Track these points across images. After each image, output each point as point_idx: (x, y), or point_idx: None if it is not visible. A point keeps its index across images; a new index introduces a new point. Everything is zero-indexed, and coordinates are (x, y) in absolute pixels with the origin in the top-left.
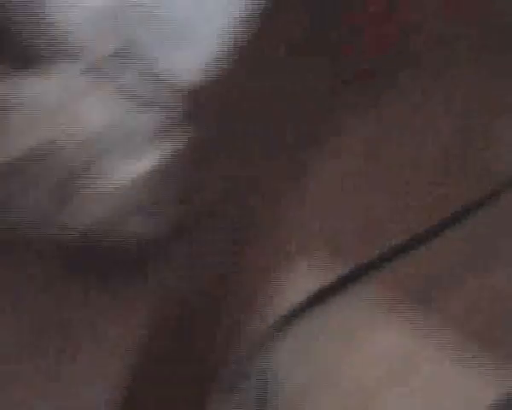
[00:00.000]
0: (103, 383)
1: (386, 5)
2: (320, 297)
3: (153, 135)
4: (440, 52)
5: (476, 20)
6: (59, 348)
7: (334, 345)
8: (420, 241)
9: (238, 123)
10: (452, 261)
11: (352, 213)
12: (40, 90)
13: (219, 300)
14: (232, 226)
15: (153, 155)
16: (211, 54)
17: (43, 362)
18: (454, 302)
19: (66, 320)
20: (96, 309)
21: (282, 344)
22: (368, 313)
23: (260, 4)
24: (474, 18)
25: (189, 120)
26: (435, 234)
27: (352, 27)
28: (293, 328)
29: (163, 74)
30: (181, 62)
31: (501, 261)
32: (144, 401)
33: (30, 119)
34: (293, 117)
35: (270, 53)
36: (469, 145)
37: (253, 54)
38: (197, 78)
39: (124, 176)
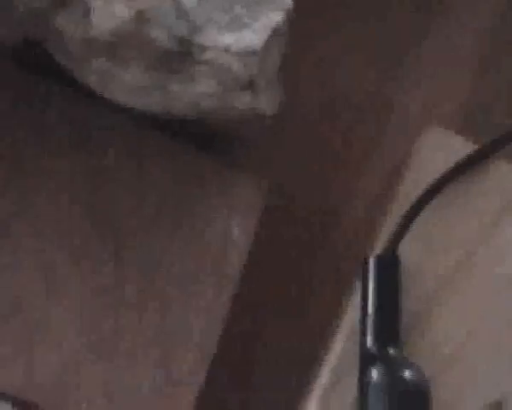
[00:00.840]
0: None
1: None
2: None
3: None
4: None
5: None
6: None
7: (470, 227)
8: None
9: None
10: None
11: None
12: None
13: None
14: None
15: (258, 26)
16: None
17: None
18: None
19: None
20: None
21: (412, 232)
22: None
23: None
24: None
25: None
26: None
27: None
28: (425, 211)
29: None
30: None
31: None
32: None
33: None
34: None
35: None
36: None
37: None
38: None
39: (229, 49)
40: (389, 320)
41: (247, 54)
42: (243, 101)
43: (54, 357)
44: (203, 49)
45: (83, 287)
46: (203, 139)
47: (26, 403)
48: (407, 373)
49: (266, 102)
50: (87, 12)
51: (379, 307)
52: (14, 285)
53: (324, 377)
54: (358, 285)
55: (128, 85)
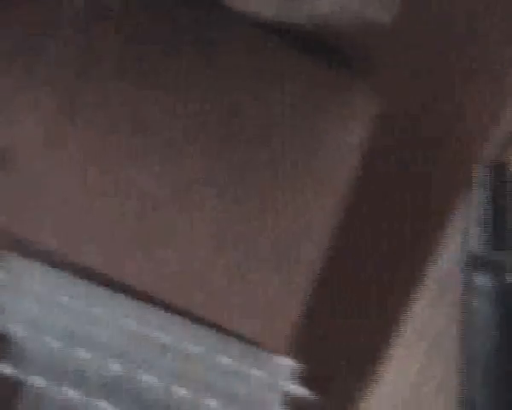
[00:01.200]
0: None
1: None
2: None
3: None
4: None
5: None
6: None
7: None
8: None
9: None
10: None
11: None
12: None
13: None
14: None
15: None
16: None
17: None
18: None
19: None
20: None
21: None
22: None
23: None
24: None
25: None
26: None
27: None
28: None
29: None
30: None
31: None
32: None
33: None
34: None
35: None
36: None
37: None
38: None
39: None
40: (497, 226)
41: None
42: (359, 7)
43: (182, 258)
44: None
45: (211, 198)
46: (319, 50)
47: (148, 296)
48: None
49: (381, 10)
50: None
51: (487, 213)
52: (151, 195)
53: (431, 283)
54: (468, 194)
55: None
